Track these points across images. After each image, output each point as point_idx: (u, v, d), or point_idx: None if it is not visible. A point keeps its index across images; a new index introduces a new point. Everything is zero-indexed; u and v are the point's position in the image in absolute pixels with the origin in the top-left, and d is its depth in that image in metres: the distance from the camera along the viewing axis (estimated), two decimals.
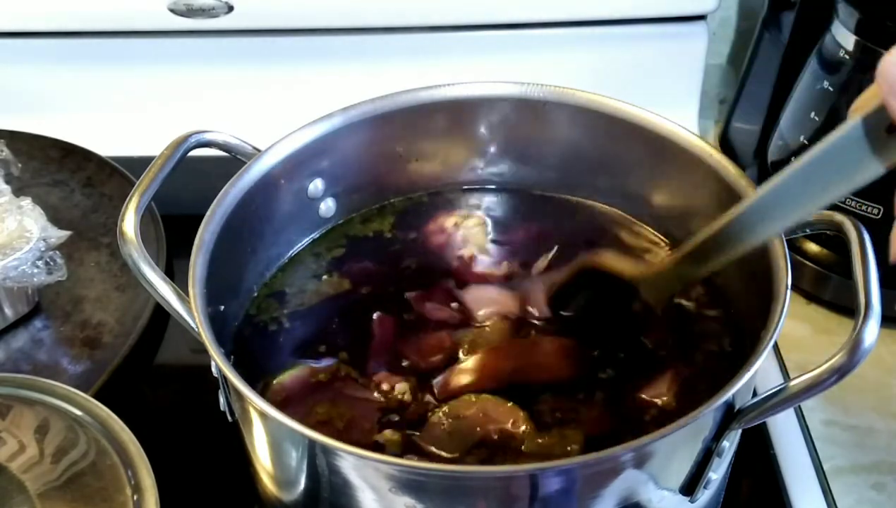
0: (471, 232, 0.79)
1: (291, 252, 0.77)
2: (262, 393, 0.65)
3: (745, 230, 0.58)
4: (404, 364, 0.68)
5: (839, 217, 0.63)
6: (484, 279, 0.75)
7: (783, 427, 0.78)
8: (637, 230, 0.78)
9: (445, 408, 0.64)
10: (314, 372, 0.68)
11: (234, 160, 0.72)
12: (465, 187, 0.82)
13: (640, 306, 0.66)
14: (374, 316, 0.72)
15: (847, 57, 0.81)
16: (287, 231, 0.76)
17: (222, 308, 0.67)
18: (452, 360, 0.68)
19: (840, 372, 0.54)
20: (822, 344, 0.85)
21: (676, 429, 0.53)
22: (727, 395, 0.54)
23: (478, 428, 0.63)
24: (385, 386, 0.66)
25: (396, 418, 0.65)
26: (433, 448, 0.62)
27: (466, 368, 0.67)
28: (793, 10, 0.95)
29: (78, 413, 0.64)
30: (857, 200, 0.82)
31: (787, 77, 0.92)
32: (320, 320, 0.72)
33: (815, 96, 0.86)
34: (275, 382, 0.67)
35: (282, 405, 0.64)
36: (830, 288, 0.87)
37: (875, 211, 0.82)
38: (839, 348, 0.54)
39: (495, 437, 0.63)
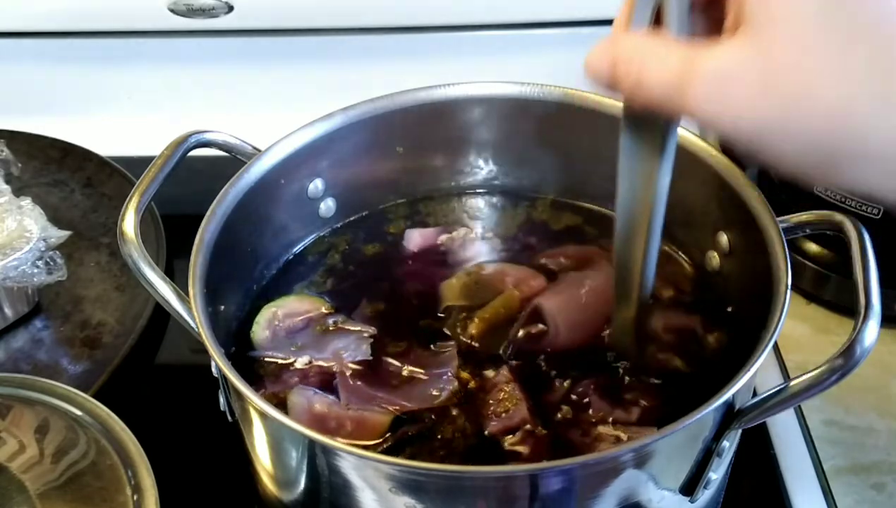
0: (470, 233, 0.79)
1: (291, 251, 0.77)
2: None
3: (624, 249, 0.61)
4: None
5: (839, 217, 0.62)
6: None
7: (783, 427, 0.78)
8: None
9: (471, 268, 0.74)
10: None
11: (234, 160, 0.72)
12: (465, 187, 0.82)
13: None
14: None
15: None
16: (287, 231, 0.76)
17: (222, 308, 0.67)
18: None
19: (840, 372, 0.54)
20: (822, 344, 0.85)
21: (676, 429, 0.53)
22: (727, 395, 0.54)
23: (497, 283, 0.72)
24: None
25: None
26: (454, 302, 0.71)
27: None
28: None
29: (78, 413, 0.64)
30: (857, 200, 0.82)
31: None
32: None
33: None
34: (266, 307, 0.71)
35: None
36: (830, 288, 0.87)
37: (875, 211, 0.82)
38: (839, 348, 0.54)
39: (512, 288, 0.71)
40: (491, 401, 0.65)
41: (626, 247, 0.61)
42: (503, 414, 0.64)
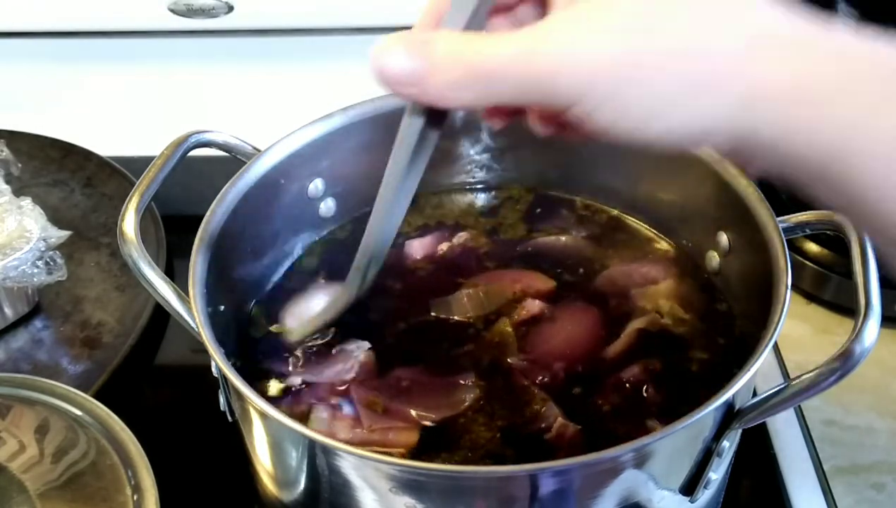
0: (470, 238, 0.79)
1: (291, 251, 0.77)
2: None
3: None
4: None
5: (839, 217, 0.62)
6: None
7: (783, 427, 0.78)
8: (636, 229, 0.78)
9: (477, 279, 0.73)
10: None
11: (234, 160, 0.72)
12: (466, 186, 0.82)
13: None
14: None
15: None
16: (287, 231, 0.76)
17: (222, 308, 0.67)
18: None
19: (840, 372, 0.54)
20: (822, 344, 0.85)
21: (676, 429, 0.53)
22: (727, 395, 0.54)
23: (506, 291, 0.72)
24: None
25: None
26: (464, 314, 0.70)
27: None
28: None
29: (78, 413, 0.64)
30: None
31: None
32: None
33: None
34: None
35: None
36: (830, 288, 0.87)
37: None
38: (839, 348, 0.54)
39: (525, 294, 0.71)
40: (518, 403, 0.64)
41: (385, 222, 0.58)
42: (536, 415, 0.63)
